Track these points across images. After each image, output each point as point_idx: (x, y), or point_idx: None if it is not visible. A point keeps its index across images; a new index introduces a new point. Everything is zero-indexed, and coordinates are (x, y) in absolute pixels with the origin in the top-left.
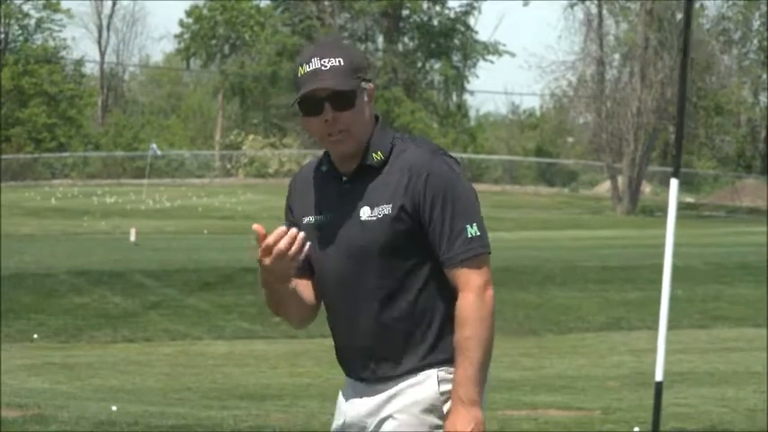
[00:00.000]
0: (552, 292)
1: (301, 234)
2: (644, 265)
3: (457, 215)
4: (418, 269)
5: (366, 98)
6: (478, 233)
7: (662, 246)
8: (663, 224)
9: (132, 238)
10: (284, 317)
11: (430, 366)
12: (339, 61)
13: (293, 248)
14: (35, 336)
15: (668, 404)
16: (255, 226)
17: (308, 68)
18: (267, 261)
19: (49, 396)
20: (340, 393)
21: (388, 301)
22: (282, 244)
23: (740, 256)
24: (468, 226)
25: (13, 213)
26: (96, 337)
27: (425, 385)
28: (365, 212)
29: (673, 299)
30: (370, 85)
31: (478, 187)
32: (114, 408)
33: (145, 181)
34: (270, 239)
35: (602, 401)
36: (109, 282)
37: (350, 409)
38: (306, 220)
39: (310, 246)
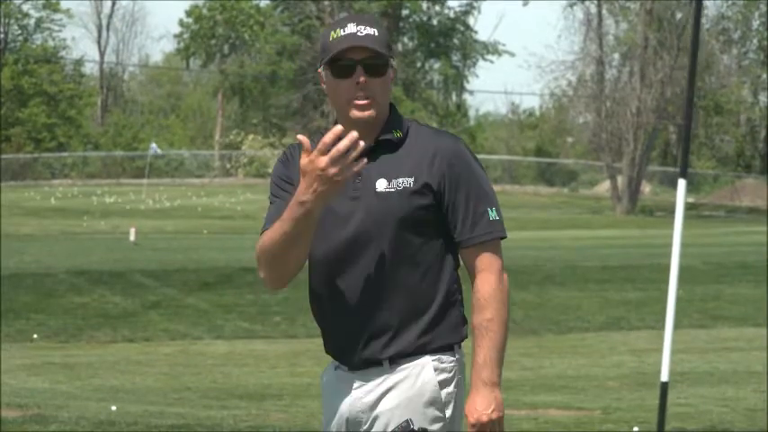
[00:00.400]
0: (552, 292)
1: (354, 134)
2: (644, 264)
3: (481, 198)
4: (428, 248)
5: (392, 73)
6: (498, 217)
7: (661, 245)
8: (663, 224)
9: (132, 237)
10: (280, 264)
11: (422, 352)
12: (375, 32)
13: (354, 152)
14: (35, 335)
15: (669, 404)
16: (300, 137)
17: (342, 33)
18: (323, 164)
19: (48, 396)
20: (326, 388)
21: (392, 275)
22: (342, 144)
23: (740, 255)
24: (489, 209)
25: (13, 213)
26: (96, 337)
27: (422, 377)
28: (381, 184)
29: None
30: (395, 67)
31: None
32: (114, 407)
33: (144, 181)
34: (327, 138)
35: (602, 401)
36: (108, 281)
37: (341, 403)
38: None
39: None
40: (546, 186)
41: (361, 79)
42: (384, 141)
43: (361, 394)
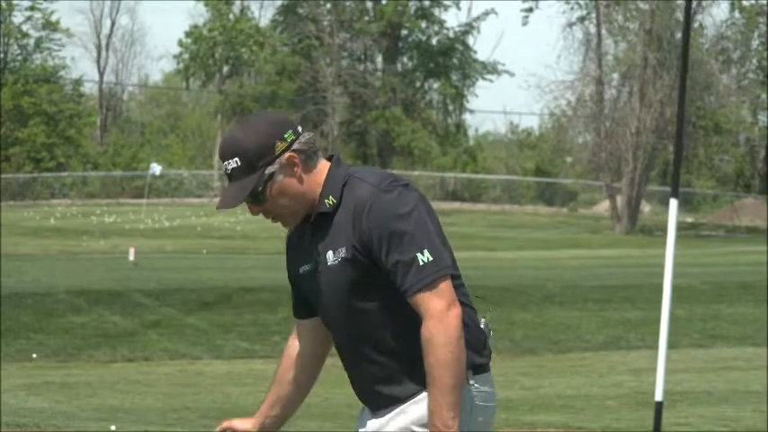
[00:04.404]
0: (551, 312)
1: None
2: (643, 284)
3: (405, 246)
4: (394, 303)
5: (288, 172)
6: (431, 258)
7: (661, 265)
8: (662, 244)
9: (131, 257)
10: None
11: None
12: (236, 161)
13: None
14: (34, 355)
15: (668, 423)
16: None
17: (222, 168)
18: None
19: (48, 415)
20: (359, 415)
21: (373, 338)
22: None
23: (739, 275)
24: (418, 254)
25: (13, 233)
26: (95, 357)
27: (421, 404)
28: (330, 257)
29: (672, 318)
30: (286, 155)
31: (477, 207)
32: (113, 427)
33: (144, 200)
34: None
35: (602, 421)
36: (108, 301)
37: (362, 427)
38: (301, 269)
39: None
40: (545, 206)
41: (256, 212)
42: (319, 216)
43: (375, 420)
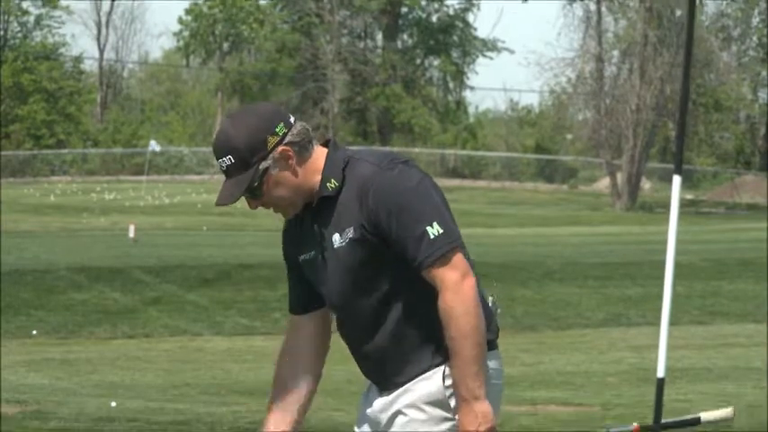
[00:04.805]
0: (551, 289)
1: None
2: (643, 261)
3: (413, 220)
4: (402, 279)
5: (282, 165)
6: (441, 230)
7: (662, 242)
8: (662, 220)
9: (131, 234)
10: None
11: (439, 364)
12: (230, 159)
13: None
14: (34, 332)
15: (668, 400)
16: None
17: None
18: None
19: (48, 392)
20: (364, 393)
21: (384, 318)
22: None
23: (740, 252)
24: (428, 227)
25: (13, 210)
26: (96, 333)
27: (432, 381)
28: (336, 240)
29: (672, 295)
30: (279, 149)
31: (477, 184)
32: (113, 404)
33: (144, 177)
34: None
35: (602, 397)
36: (108, 278)
37: (368, 406)
38: (301, 258)
39: None
40: (545, 183)
41: (254, 205)
42: (322, 200)
43: (382, 397)
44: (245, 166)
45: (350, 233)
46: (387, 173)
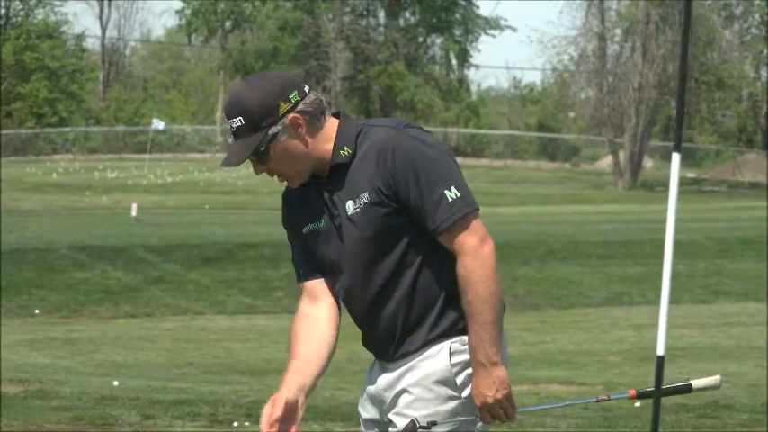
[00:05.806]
0: (553, 267)
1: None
2: (645, 239)
3: (432, 183)
4: (415, 246)
5: (292, 133)
6: (459, 194)
7: (662, 221)
8: (664, 199)
9: (134, 213)
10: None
11: (442, 338)
12: (240, 120)
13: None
14: (36, 311)
15: (669, 379)
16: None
17: (227, 127)
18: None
19: (50, 371)
20: (367, 371)
21: (393, 284)
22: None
23: (741, 230)
24: (446, 191)
25: (15, 188)
26: (98, 312)
27: (437, 358)
28: (350, 207)
29: (674, 274)
30: (290, 116)
31: (480, 162)
32: (116, 382)
33: (146, 156)
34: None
35: (604, 376)
36: (110, 257)
37: (372, 384)
38: (305, 229)
39: None
40: (548, 161)
41: (260, 171)
42: (336, 166)
43: (385, 374)
44: (255, 129)
45: (365, 198)
46: (406, 133)
